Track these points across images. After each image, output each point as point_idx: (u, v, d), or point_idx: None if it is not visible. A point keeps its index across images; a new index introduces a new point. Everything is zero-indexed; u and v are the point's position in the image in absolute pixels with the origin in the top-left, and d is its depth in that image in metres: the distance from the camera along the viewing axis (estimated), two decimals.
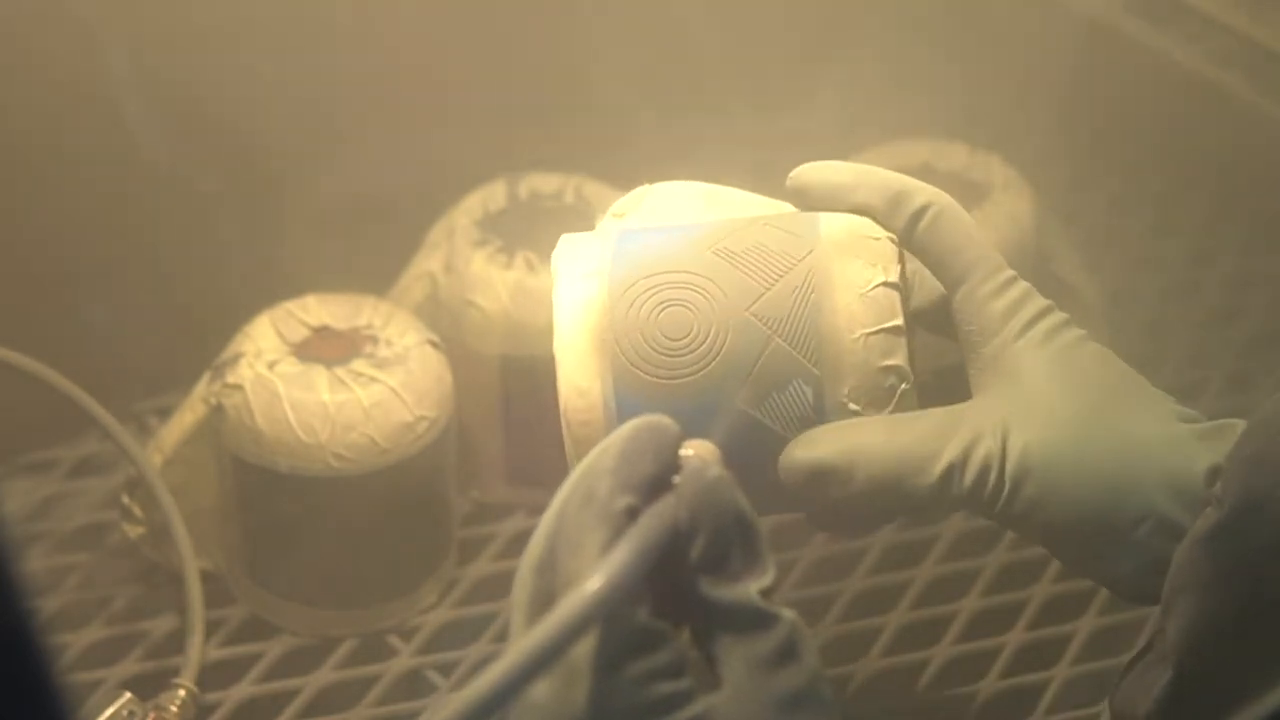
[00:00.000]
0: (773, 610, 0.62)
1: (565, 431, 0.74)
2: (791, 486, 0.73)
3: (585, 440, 0.73)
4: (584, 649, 0.60)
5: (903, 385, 0.73)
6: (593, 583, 0.59)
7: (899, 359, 0.73)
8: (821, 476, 0.73)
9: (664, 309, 0.73)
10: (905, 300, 0.74)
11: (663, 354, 0.73)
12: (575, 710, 0.60)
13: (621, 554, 0.60)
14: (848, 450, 0.73)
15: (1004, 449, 0.72)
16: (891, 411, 0.73)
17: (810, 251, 0.74)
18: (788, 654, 0.62)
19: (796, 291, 0.73)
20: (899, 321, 0.73)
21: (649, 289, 0.74)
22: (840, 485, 0.73)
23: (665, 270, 0.74)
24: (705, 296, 0.73)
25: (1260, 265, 1.16)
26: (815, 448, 0.73)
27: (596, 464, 0.63)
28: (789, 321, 0.73)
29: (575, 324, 0.74)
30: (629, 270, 0.74)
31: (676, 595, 0.63)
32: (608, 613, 0.59)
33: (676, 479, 0.63)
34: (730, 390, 0.72)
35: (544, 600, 0.61)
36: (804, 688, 0.62)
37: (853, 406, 0.73)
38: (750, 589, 0.62)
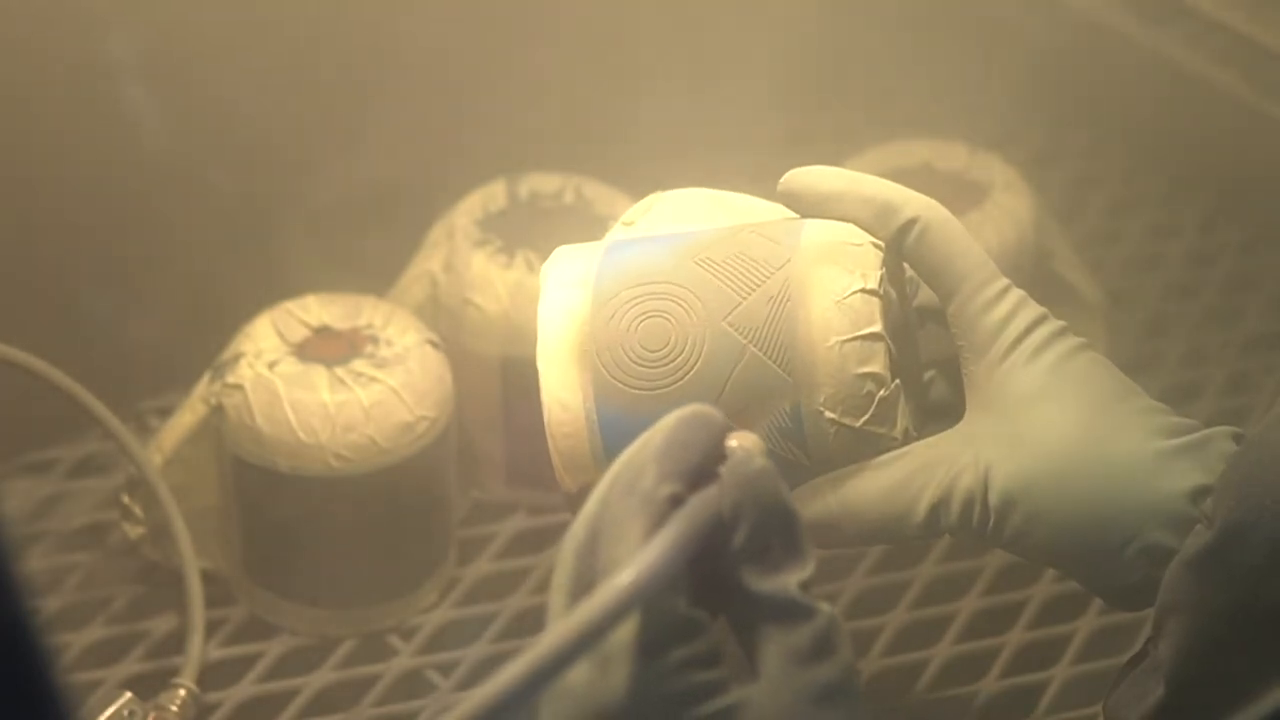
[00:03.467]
0: (811, 603, 0.62)
1: (550, 444, 0.74)
2: None
3: (570, 452, 0.74)
4: (622, 635, 0.60)
5: (881, 391, 0.73)
6: (633, 570, 0.59)
7: (876, 365, 0.72)
8: (810, 534, 0.73)
9: (643, 320, 0.74)
10: (887, 306, 0.74)
11: (641, 365, 0.73)
12: (611, 696, 0.60)
13: (663, 542, 0.60)
14: (832, 505, 0.74)
15: (986, 481, 0.72)
16: (869, 419, 0.73)
17: (789, 260, 0.74)
18: (824, 647, 0.62)
19: (773, 301, 0.73)
20: (876, 328, 0.73)
21: (630, 300, 0.74)
22: (830, 539, 0.74)
23: (647, 281, 0.74)
24: (684, 307, 0.73)
25: (1260, 265, 1.16)
26: (801, 507, 0.73)
27: (641, 452, 0.63)
28: (764, 331, 0.73)
29: (557, 336, 0.74)
30: (612, 281, 0.75)
31: (715, 584, 0.63)
32: (647, 600, 0.60)
33: (721, 469, 0.63)
34: (707, 401, 0.72)
35: (584, 585, 0.61)
36: (838, 681, 0.62)
37: (829, 414, 0.73)
38: (790, 581, 0.62)
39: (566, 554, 0.63)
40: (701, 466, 0.63)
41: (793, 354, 0.73)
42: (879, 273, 0.73)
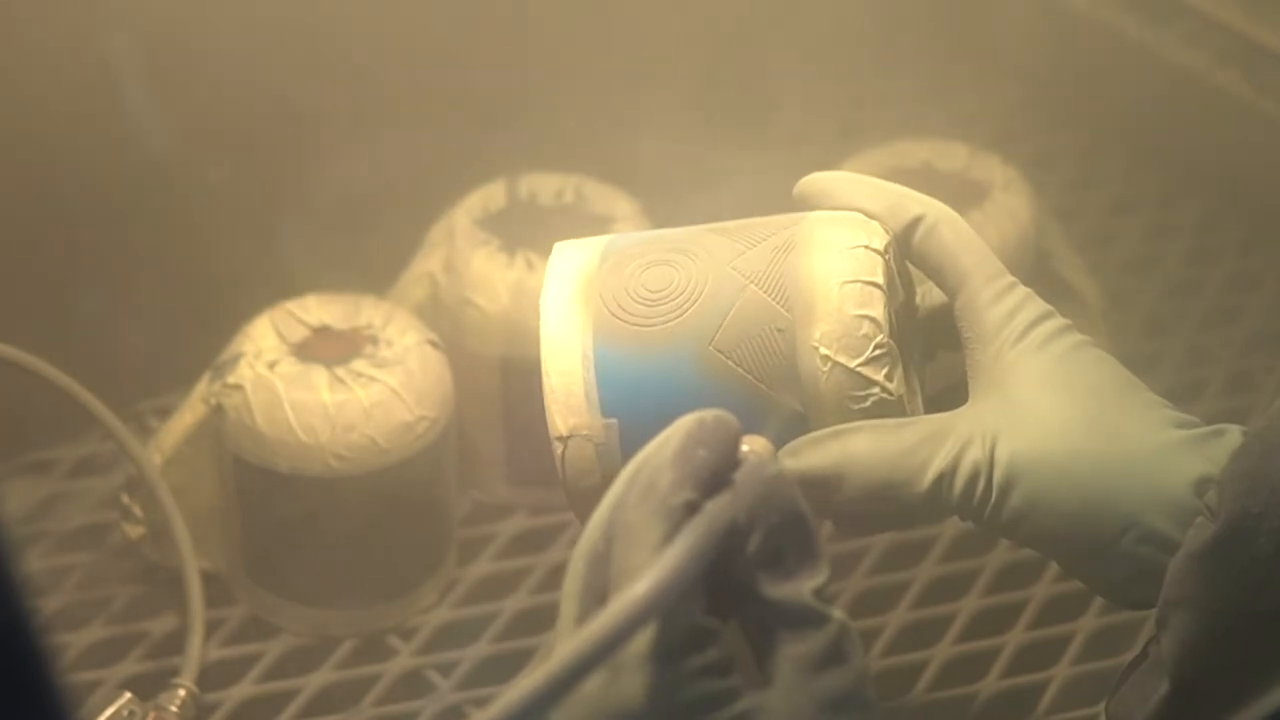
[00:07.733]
0: (825, 610, 0.62)
1: (544, 381, 0.74)
2: None
3: (563, 389, 0.74)
4: (636, 642, 0.60)
5: (878, 336, 0.73)
6: (651, 579, 0.59)
7: (874, 310, 0.73)
8: (809, 486, 0.73)
9: (649, 268, 0.75)
10: (889, 270, 0.74)
11: (643, 304, 0.74)
12: (625, 703, 0.60)
13: (680, 550, 0.60)
14: (836, 459, 0.73)
15: (992, 457, 0.72)
16: (863, 361, 0.73)
17: (797, 223, 0.75)
18: (836, 655, 0.62)
19: (778, 250, 0.74)
20: (878, 279, 0.73)
21: (638, 253, 0.75)
22: (829, 494, 0.73)
23: (656, 240, 0.76)
24: (690, 257, 0.75)
25: (1260, 265, 1.16)
26: (803, 457, 0.73)
27: (656, 456, 0.63)
28: (767, 273, 0.74)
29: (563, 284, 0.75)
30: (623, 244, 0.76)
31: (728, 589, 0.63)
32: (664, 609, 0.59)
33: (735, 475, 0.63)
34: (705, 335, 0.73)
35: (597, 591, 0.61)
36: (850, 689, 0.62)
37: (824, 351, 0.73)
38: (804, 587, 0.62)
39: (579, 559, 0.62)
40: (716, 472, 0.63)
41: (793, 292, 0.73)
42: (885, 240, 0.74)
